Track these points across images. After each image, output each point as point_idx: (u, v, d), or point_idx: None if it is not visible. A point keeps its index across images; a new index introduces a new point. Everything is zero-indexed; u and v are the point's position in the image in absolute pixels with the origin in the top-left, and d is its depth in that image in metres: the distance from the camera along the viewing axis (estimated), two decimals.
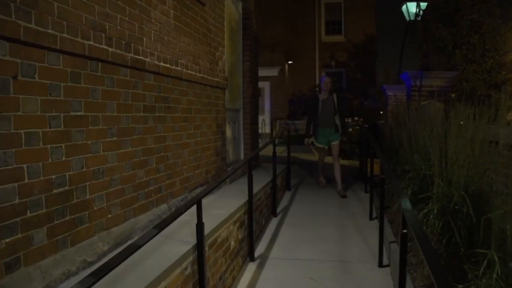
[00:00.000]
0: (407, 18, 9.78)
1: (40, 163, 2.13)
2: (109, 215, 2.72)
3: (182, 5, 3.87)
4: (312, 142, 7.20)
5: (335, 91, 7.35)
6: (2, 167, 1.90)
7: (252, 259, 4.26)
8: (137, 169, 3.08)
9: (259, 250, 4.53)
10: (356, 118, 14.79)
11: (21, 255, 2.00)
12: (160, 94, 3.44)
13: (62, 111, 2.28)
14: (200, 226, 2.74)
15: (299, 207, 6.11)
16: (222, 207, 3.98)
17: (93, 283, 1.58)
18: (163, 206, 3.50)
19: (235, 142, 6.24)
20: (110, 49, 2.69)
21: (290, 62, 18.88)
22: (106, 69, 2.68)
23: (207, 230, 2.90)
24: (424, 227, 3.02)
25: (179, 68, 3.79)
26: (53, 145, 2.22)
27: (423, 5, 9.51)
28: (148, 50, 3.23)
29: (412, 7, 9.56)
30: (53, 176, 2.22)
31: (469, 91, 13.26)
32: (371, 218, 5.42)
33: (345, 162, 11.51)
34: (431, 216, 2.95)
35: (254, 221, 4.38)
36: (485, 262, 2.03)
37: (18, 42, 1.97)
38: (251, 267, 4.12)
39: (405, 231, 2.47)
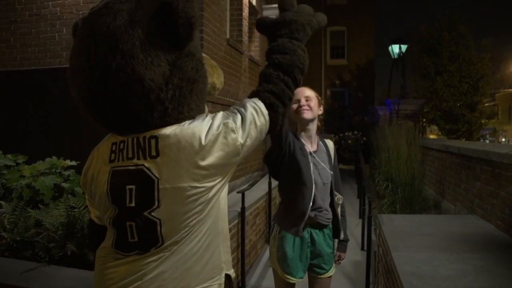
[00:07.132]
0: (392, 56, 12.97)
1: None
2: None
3: (251, 69, 7.07)
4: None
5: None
6: None
7: None
8: None
9: None
10: (355, 132, 17.77)
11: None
12: None
13: None
14: (270, 182, 5.88)
15: None
16: None
17: (248, 188, 4.73)
18: (243, 178, 6.65)
19: None
20: (231, 100, 5.87)
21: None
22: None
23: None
24: (377, 187, 6.14)
25: None
26: None
27: (404, 47, 12.70)
28: (241, 96, 6.40)
29: (395, 48, 12.76)
30: None
31: (447, 110, 15.89)
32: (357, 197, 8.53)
33: (344, 166, 14.27)
34: (379, 181, 6.06)
35: None
36: (388, 188, 5.19)
37: (212, 102, 5.14)
38: None
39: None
